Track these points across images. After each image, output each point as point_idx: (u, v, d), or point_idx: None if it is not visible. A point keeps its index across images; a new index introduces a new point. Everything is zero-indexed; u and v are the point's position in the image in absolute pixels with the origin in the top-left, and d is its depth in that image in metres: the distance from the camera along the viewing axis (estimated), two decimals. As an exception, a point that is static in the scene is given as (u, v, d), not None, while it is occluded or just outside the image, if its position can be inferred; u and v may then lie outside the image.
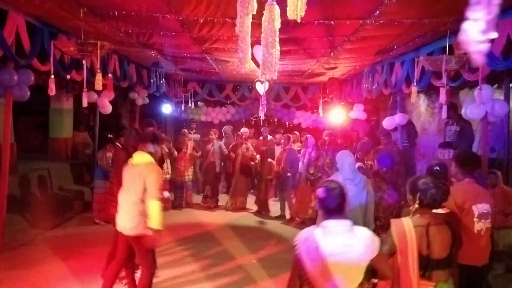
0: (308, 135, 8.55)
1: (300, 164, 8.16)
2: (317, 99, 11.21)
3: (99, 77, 5.00)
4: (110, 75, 6.74)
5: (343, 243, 2.23)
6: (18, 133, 8.64)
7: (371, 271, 2.36)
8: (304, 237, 2.30)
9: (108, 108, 8.62)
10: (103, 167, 7.29)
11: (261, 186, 8.81)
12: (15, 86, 5.38)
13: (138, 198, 3.71)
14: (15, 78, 5.30)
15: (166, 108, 11.21)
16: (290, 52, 6.67)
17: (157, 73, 8.45)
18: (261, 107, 8.36)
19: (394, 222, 2.73)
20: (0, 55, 4.83)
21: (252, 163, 8.97)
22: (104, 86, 7.53)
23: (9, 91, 5.37)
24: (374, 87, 7.85)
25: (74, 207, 7.79)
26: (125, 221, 3.79)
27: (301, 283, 2.30)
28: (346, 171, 4.22)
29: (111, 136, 7.40)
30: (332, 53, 6.74)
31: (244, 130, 9.77)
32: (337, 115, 10.22)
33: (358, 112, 10.21)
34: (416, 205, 2.70)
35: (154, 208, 3.64)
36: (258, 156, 8.97)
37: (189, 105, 10.74)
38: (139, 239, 3.71)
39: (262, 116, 8.78)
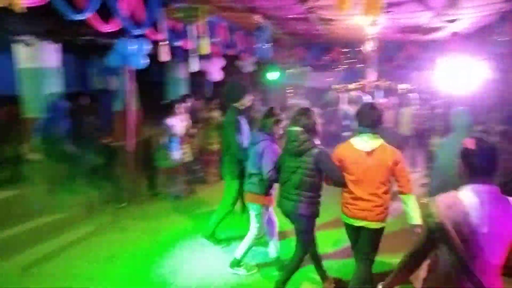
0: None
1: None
2: (435, 58, 10.19)
3: (204, 41, 5.18)
4: (217, 39, 6.88)
5: (494, 213, 1.88)
6: (142, 101, 9.52)
7: None
8: (445, 204, 1.94)
9: (218, 75, 8.97)
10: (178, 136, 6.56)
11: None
12: (133, 55, 5.86)
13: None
14: (133, 47, 5.78)
15: (272, 75, 11.25)
16: (402, 4, 6.08)
17: (262, 38, 8.45)
18: (368, 68, 7.94)
19: None
20: (118, 27, 5.29)
21: None
22: (212, 54, 7.85)
23: (127, 59, 5.87)
24: (506, 40, 6.79)
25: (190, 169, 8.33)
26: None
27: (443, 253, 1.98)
28: (462, 131, 3.77)
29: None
30: (454, 2, 5.98)
31: (331, 93, 9.38)
32: (460, 76, 9.14)
33: (485, 71, 9.00)
34: None
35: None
36: None
37: (295, 70, 10.62)
38: None
39: (371, 77, 8.33)
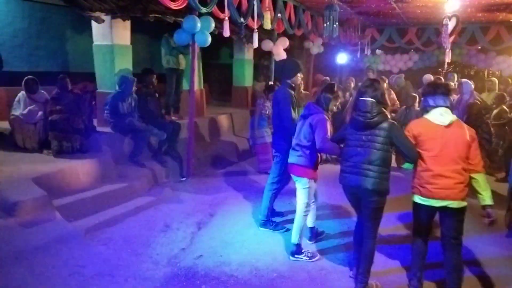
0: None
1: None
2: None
3: (267, 15, 5.07)
4: (279, 14, 6.68)
5: None
6: (209, 82, 9.71)
7: None
8: None
9: (282, 56, 8.83)
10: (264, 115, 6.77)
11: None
12: (198, 32, 5.93)
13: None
14: (198, 25, 5.84)
15: (341, 58, 10.82)
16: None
17: (331, 16, 8.12)
18: (446, 49, 7.29)
19: None
20: (185, 4, 5.36)
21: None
22: (277, 34, 7.67)
23: (193, 37, 5.95)
24: None
25: (250, 149, 8.38)
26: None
27: None
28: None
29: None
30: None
31: (427, 77, 8.73)
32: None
33: None
34: None
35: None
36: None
37: (366, 53, 10.13)
38: None
39: (447, 59, 7.67)
